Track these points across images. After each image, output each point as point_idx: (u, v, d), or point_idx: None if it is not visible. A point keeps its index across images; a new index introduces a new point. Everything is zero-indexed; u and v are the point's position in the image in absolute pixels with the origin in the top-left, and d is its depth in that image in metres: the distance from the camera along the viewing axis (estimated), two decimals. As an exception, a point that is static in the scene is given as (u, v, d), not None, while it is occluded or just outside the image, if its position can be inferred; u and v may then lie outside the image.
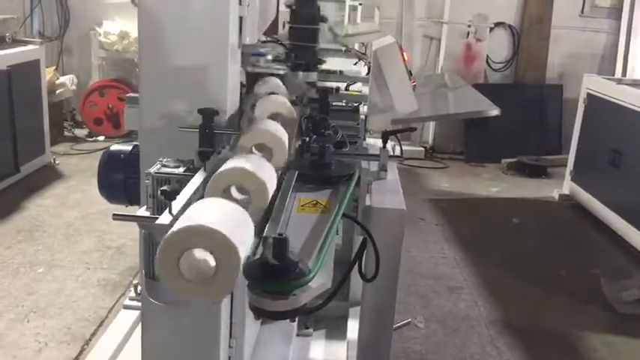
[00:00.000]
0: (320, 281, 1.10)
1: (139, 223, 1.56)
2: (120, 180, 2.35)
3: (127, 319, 2.85)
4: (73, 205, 4.59)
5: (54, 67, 6.02)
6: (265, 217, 1.28)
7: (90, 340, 2.96)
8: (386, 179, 1.97)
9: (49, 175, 5.14)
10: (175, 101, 1.95)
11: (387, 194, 1.86)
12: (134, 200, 2.36)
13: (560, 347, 3.20)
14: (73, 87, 6.12)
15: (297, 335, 2.93)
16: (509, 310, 3.51)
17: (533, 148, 6.28)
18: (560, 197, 5.35)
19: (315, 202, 1.41)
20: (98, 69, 6.37)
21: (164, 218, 1.24)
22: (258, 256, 1.11)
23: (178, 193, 1.26)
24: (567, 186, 5.31)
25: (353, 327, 2.97)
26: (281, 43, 2.87)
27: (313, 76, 2.85)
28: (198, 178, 1.46)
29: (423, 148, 6.43)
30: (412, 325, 3.25)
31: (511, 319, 3.41)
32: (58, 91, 5.86)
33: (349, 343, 2.82)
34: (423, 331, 3.22)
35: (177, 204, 1.28)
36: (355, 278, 3.20)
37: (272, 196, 1.34)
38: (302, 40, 2.78)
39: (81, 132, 6.32)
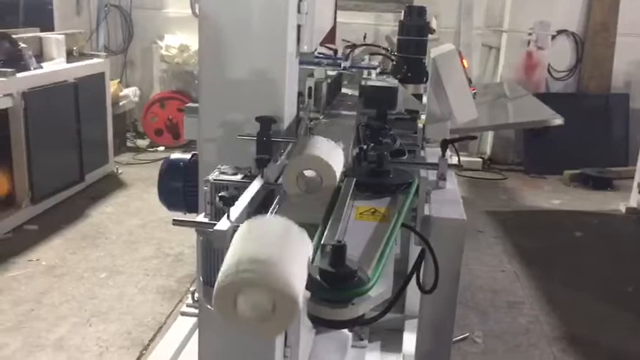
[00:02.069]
0: (379, 290, 1.08)
1: (197, 230, 1.57)
2: (179, 188, 2.39)
3: (184, 325, 2.90)
4: (134, 213, 4.72)
5: (118, 80, 6.23)
6: (324, 224, 1.27)
7: (148, 345, 3.01)
8: (445, 188, 1.93)
9: (112, 184, 5.31)
10: (234, 110, 1.97)
11: (447, 204, 1.82)
12: (192, 208, 2.39)
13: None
14: (136, 99, 6.31)
15: (352, 347, 2.89)
16: (573, 326, 3.37)
17: (598, 160, 6.05)
18: (628, 210, 5.12)
19: (373, 209, 1.39)
20: (159, 81, 6.55)
21: (222, 224, 1.25)
22: (317, 263, 1.09)
23: (236, 199, 1.26)
24: (635, 199, 5.08)
25: (408, 339, 2.92)
26: (391, 54, 2.90)
27: (420, 88, 2.87)
28: (255, 185, 1.47)
29: (480, 159, 6.29)
30: (470, 340, 3.16)
31: (575, 336, 3.27)
32: (121, 103, 6.06)
33: (405, 356, 2.77)
34: (481, 346, 3.13)
35: (235, 210, 1.29)
36: (411, 290, 3.14)
37: (329, 204, 1.33)
38: (411, 52, 2.81)
39: (142, 142, 6.50)
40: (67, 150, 4.81)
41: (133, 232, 4.36)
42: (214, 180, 1.58)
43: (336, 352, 2.76)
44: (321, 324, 1.07)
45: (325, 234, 1.23)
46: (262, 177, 1.53)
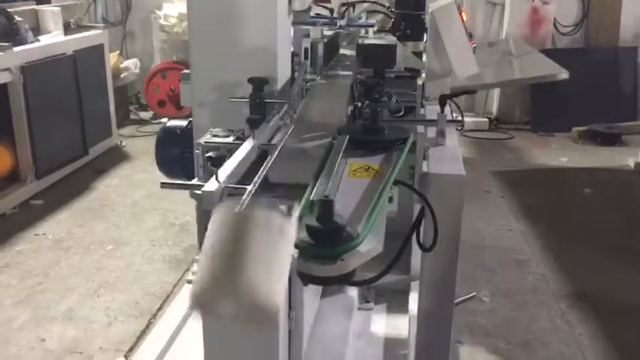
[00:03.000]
0: (369, 246, 1.05)
1: (191, 194, 1.55)
2: (176, 155, 2.36)
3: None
4: (139, 184, 4.71)
5: (118, 52, 6.17)
6: (314, 181, 1.24)
7: (156, 314, 3.03)
8: (444, 145, 1.89)
9: (116, 157, 5.30)
10: (226, 72, 1.93)
11: (446, 161, 1.78)
12: (191, 175, 2.36)
13: (636, 321, 3.03)
14: (137, 70, 6.26)
15: (358, 309, 2.89)
16: (581, 283, 3.35)
17: (606, 115, 5.95)
18: (636, 166, 5.05)
19: (367, 166, 1.36)
20: (160, 52, 6.48)
21: (210, 185, 1.22)
22: (305, 220, 1.06)
23: (225, 160, 1.23)
24: (644, 154, 5.01)
25: (414, 300, 2.91)
26: (389, 11, 2.82)
27: (420, 46, 2.79)
28: (246, 146, 1.44)
29: (487, 119, 6.21)
30: (477, 299, 3.15)
31: (583, 293, 3.26)
32: (122, 75, 6.01)
33: (411, 317, 2.77)
34: (488, 305, 3.12)
35: (224, 171, 1.26)
36: (417, 251, 3.13)
37: (322, 160, 1.29)
38: (410, 8, 2.73)
39: (146, 115, 6.48)
40: (70, 124, 4.79)
41: (138, 204, 4.36)
42: (205, 142, 1.55)
43: (342, 315, 2.77)
44: (311, 281, 1.05)
45: (315, 190, 1.20)
46: (254, 138, 1.49)
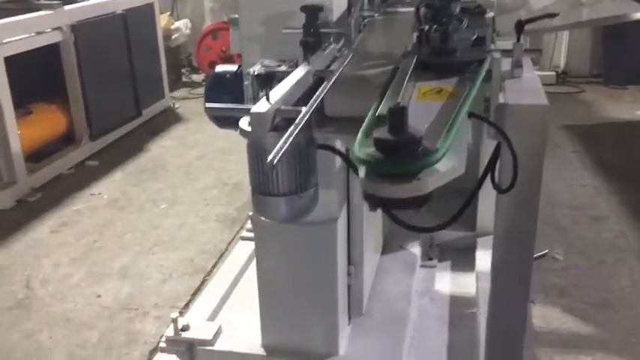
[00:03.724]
0: (450, 165, 0.88)
1: (241, 132, 1.40)
2: (227, 102, 2.23)
3: (244, 250, 2.80)
4: (192, 145, 4.65)
5: (168, 13, 6.08)
6: (379, 99, 1.07)
7: (210, 271, 2.96)
8: (522, 77, 1.67)
9: (169, 119, 5.25)
10: (276, 2, 1.76)
11: (525, 91, 1.57)
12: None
13: None
14: (188, 31, 6.16)
15: (421, 267, 2.73)
16: (665, 240, 3.07)
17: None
18: None
19: (438, 89, 1.17)
20: (210, 12, 6.36)
21: (260, 106, 1.07)
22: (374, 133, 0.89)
23: (274, 78, 1.08)
24: None
25: (481, 258, 2.73)
26: None
27: None
28: (300, 70, 1.28)
29: (554, 73, 5.83)
30: (549, 258, 2.93)
31: (668, 250, 2.99)
32: (173, 37, 5.93)
33: (478, 274, 2.58)
34: (562, 263, 2.89)
35: (276, 93, 1.10)
36: (484, 204, 2.92)
37: (385, 83, 1.12)
38: None
39: (198, 77, 6.40)
40: (122, 85, 4.75)
41: (191, 164, 4.30)
42: (256, 72, 1.39)
43: (404, 272, 2.61)
44: (381, 205, 0.89)
45: (380, 107, 1.03)
46: (308, 63, 1.33)
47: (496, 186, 1.51)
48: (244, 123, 1.54)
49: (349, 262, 2.17)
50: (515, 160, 1.38)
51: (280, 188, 1.47)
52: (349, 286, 2.19)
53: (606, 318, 2.53)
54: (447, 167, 0.88)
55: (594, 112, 5.07)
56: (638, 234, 3.15)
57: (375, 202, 0.87)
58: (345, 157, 1.57)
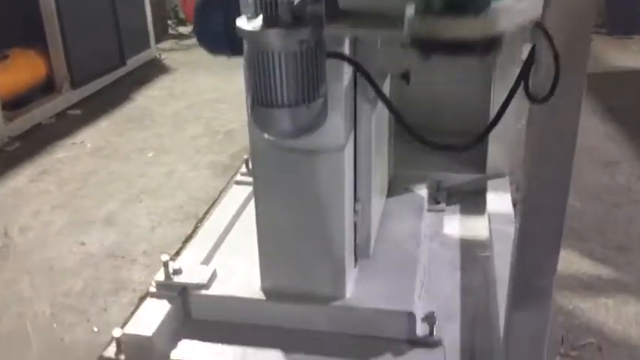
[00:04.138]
0: (524, 4, 0.68)
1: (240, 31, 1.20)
2: (219, 22, 2.01)
3: (239, 194, 2.61)
4: (180, 95, 4.42)
5: (153, -40, 5.76)
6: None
7: (203, 218, 2.77)
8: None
9: (155, 69, 4.99)
10: None
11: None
12: (237, 50, 2.02)
13: None
14: (173, -20, 5.86)
15: (429, 211, 2.56)
16: (682, 184, 2.92)
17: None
18: None
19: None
20: (196, -40, 6.03)
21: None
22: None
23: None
24: None
25: (493, 199, 2.56)
26: None
27: None
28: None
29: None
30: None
31: (686, 194, 2.83)
32: (158, -15, 5.62)
33: (491, 215, 2.41)
34: (578, 207, 2.73)
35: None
36: (494, 147, 2.74)
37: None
38: None
39: (184, 29, 6.10)
40: (104, 32, 4.48)
41: (180, 113, 4.08)
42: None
43: (411, 214, 2.43)
44: (439, 49, 0.69)
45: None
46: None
47: (531, 96, 1.32)
48: (243, 21, 1.33)
49: (355, 199, 1.98)
50: (558, 60, 1.19)
51: (285, 97, 1.28)
52: (355, 225, 2.01)
53: (626, 261, 2.38)
54: (519, 6, 0.68)
55: (601, 62, 4.87)
56: (653, 177, 3.00)
57: (429, 47, 0.68)
58: (358, 65, 1.38)
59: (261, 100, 1.30)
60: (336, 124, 1.67)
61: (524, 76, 1.32)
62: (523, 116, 1.52)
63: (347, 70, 1.62)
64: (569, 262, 2.36)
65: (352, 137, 1.84)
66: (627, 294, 2.19)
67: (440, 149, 1.34)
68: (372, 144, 1.95)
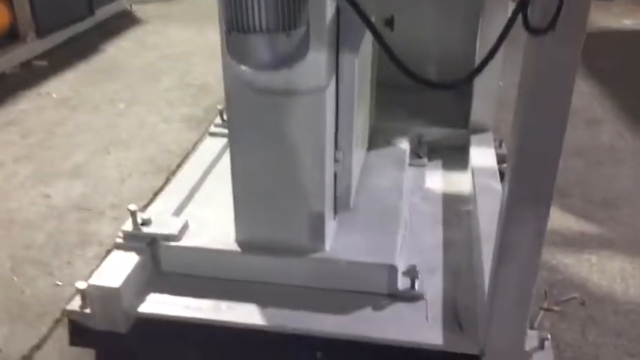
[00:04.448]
0: None
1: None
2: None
3: (213, 145, 2.50)
4: (152, 47, 4.24)
5: None
6: None
7: (175, 171, 2.65)
8: None
9: (127, 21, 4.78)
10: None
11: None
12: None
13: None
14: None
15: (410, 165, 2.47)
16: (665, 143, 2.88)
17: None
18: None
19: None
20: None
21: None
22: None
23: None
24: None
25: (477, 154, 2.48)
26: None
27: None
28: None
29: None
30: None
31: (669, 151, 2.80)
32: None
33: (474, 170, 2.34)
34: (561, 164, 2.67)
35: None
36: (477, 101, 2.65)
37: None
38: None
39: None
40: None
41: (152, 65, 3.91)
42: None
43: (393, 167, 2.35)
44: None
45: None
46: None
47: (530, 28, 1.22)
48: None
49: (336, 147, 1.89)
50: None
51: (263, 22, 1.17)
52: (335, 175, 1.92)
53: (609, 217, 2.34)
54: None
55: (583, 21, 4.80)
56: (635, 135, 2.95)
57: None
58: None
59: (237, 25, 1.19)
60: (317, 60, 1.55)
61: (522, 7, 1.23)
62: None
63: (330, 3, 1.50)
64: (552, 218, 2.25)
65: (334, 80, 1.73)
66: (611, 250, 2.15)
67: (430, 86, 1.24)
68: (355, 90, 1.84)
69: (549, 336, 1.61)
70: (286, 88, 1.60)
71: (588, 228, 2.28)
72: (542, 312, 1.82)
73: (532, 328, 1.71)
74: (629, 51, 4.20)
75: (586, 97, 3.41)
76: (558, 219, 2.31)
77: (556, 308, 1.83)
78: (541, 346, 1.60)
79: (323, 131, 1.68)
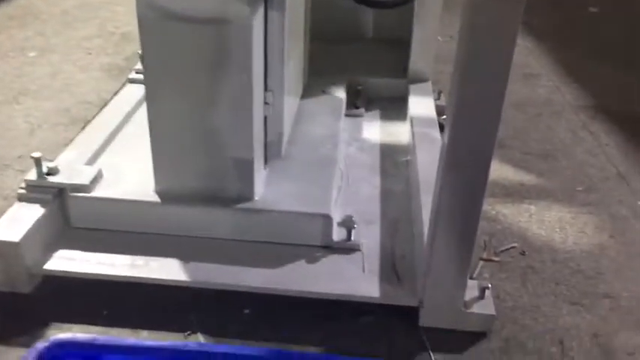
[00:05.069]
0: None
1: None
2: None
3: (132, 93, 2.29)
4: (70, -6, 3.90)
5: None
6: None
7: (91, 122, 2.42)
8: None
9: (42, -34, 4.39)
10: None
11: None
12: None
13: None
14: None
15: (346, 116, 2.35)
16: (600, 96, 2.87)
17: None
18: (646, -15, 4.46)
19: None
20: None
21: None
22: None
23: None
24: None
25: (415, 103, 2.38)
26: None
27: None
28: None
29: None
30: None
31: (603, 105, 2.78)
32: None
33: (413, 119, 2.24)
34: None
35: None
36: (416, 50, 2.54)
37: None
38: None
39: None
40: None
41: (69, 12, 3.59)
42: None
43: (328, 116, 2.22)
44: None
45: None
46: None
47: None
48: None
49: (266, 88, 1.73)
50: None
51: None
52: (266, 120, 1.77)
53: (548, 168, 2.30)
54: None
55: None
56: (571, 89, 2.93)
57: None
58: None
59: None
60: (242, -13, 1.39)
61: None
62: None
63: None
64: (491, 169, 2.22)
65: (262, 9, 1.57)
66: (550, 200, 2.11)
67: (371, 5, 1.10)
68: (286, 21, 1.68)
69: (490, 285, 1.54)
70: (208, 16, 1.42)
71: (527, 179, 2.23)
72: (481, 262, 1.75)
73: (472, 278, 1.64)
74: (565, 8, 4.19)
75: (523, 52, 3.36)
76: (497, 170, 2.24)
77: (496, 258, 1.76)
78: (481, 296, 1.53)
79: (250, 67, 1.52)
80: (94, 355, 0.91)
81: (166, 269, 1.56)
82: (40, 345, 0.88)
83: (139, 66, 2.41)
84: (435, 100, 2.45)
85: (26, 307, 1.53)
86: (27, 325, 1.48)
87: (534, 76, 3.07)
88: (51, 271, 1.55)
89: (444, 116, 2.24)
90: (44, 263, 1.55)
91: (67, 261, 1.57)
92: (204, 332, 1.48)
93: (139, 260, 1.57)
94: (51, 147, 2.23)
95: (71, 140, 2.26)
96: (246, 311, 1.55)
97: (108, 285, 1.55)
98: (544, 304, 1.64)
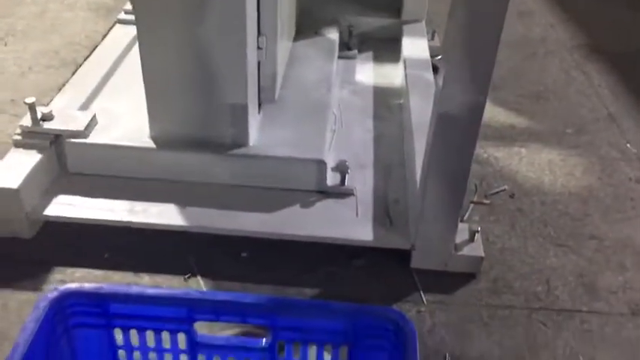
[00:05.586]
0: None
1: None
2: None
3: (123, 34, 2.26)
4: None
5: None
6: None
7: (82, 65, 2.38)
8: None
9: None
10: None
11: None
12: None
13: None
14: None
15: (339, 58, 2.33)
16: (595, 35, 2.84)
17: None
18: None
19: None
20: None
21: None
22: None
23: None
24: None
25: (409, 44, 2.36)
26: None
27: None
28: None
29: None
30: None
31: (598, 44, 2.77)
32: None
33: (406, 60, 2.23)
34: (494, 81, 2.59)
35: None
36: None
37: None
38: None
39: None
40: None
41: (53, -53, 3.47)
42: None
43: (321, 59, 2.20)
44: None
45: None
46: None
47: None
48: None
49: (259, 33, 1.71)
50: None
51: None
52: (259, 65, 1.76)
53: (540, 110, 2.31)
54: None
55: None
56: (566, 27, 2.90)
57: None
58: None
59: None
60: None
61: None
62: None
63: None
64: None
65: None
66: (541, 143, 2.13)
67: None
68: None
69: (479, 228, 1.59)
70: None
71: (518, 121, 2.25)
72: (472, 205, 1.79)
73: (462, 221, 1.69)
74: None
75: (519, -12, 3.31)
76: (490, 112, 2.25)
77: (486, 201, 1.80)
78: (471, 239, 1.58)
79: (243, 11, 1.50)
80: (102, 304, 0.95)
81: (165, 214, 1.59)
82: (51, 295, 0.91)
83: (128, 6, 2.37)
84: (429, 40, 2.43)
85: (28, 252, 1.56)
86: (30, 269, 1.52)
87: (529, 14, 3.03)
88: (51, 216, 1.58)
89: (438, 56, 2.24)
90: (44, 209, 1.58)
91: (67, 206, 1.59)
92: (203, 275, 1.53)
93: (138, 206, 1.60)
94: (43, 90, 2.21)
95: (63, 84, 2.25)
96: (244, 254, 1.59)
97: (108, 230, 1.58)
98: (532, 245, 1.69)
